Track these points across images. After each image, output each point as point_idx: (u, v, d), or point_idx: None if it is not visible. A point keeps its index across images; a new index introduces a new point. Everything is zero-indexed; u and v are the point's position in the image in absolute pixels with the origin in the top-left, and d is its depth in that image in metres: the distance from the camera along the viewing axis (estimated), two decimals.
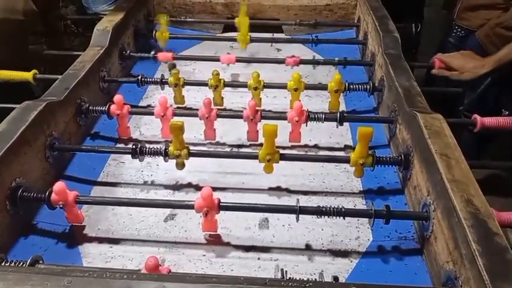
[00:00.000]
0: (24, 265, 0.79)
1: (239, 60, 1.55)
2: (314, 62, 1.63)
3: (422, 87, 1.21)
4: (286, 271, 0.82)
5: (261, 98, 1.39)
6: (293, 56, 1.54)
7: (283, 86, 1.37)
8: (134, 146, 1.09)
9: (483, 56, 1.68)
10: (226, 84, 1.38)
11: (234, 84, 1.42)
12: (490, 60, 1.59)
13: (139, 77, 1.42)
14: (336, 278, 0.79)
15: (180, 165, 1.10)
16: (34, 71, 1.43)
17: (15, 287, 0.65)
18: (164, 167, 1.16)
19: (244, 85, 1.38)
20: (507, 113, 2.28)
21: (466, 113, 2.20)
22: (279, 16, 1.99)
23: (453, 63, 1.57)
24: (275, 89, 1.41)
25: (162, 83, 1.40)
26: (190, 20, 1.98)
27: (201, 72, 1.66)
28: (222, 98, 1.41)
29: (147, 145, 1.11)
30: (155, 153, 1.08)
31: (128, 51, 1.61)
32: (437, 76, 1.67)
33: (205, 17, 2.01)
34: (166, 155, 1.07)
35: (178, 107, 1.40)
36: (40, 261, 0.82)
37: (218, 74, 1.35)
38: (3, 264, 0.80)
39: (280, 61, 1.56)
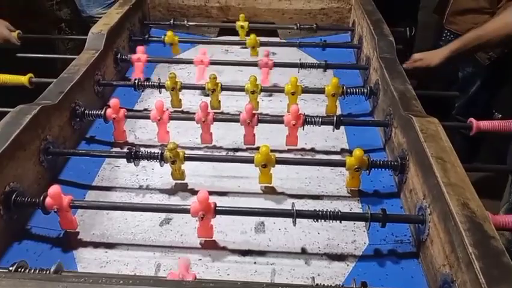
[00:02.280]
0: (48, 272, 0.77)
1: (213, 63, 1.56)
2: (301, 66, 1.55)
3: (418, 91, 1.21)
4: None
5: (258, 102, 1.39)
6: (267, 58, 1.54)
7: (280, 90, 1.37)
8: (129, 150, 1.09)
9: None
10: (223, 88, 1.38)
11: (231, 88, 1.42)
12: (445, 48, 1.83)
13: (136, 81, 1.42)
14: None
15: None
16: (30, 74, 1.43)
17: None
18: (160, 171, 1.15)
19: (241, 89, 1.38)
20: (500, 116, 2.31)
21: (457, 117, 2.22)
22: (274, 20, 1.99)
23: (415, 56, 1.80)
24: (272, 92, 1.41)
25: (159, 86, 1.40)
26: (185, 23, 1.98)
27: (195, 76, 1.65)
28: (219, 101, 1.40)
29: (142, 149, 1.10)
30: (150, 157, 1.08)
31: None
32: (432, 79, 1.73)
33: (201, 20, 2.01)
34: (161, 159, 1.07)
35: (174, 111, 1.40)
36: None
37: (215, 78, 1.35)
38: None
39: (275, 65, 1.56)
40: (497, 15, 1.85)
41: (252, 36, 1.67)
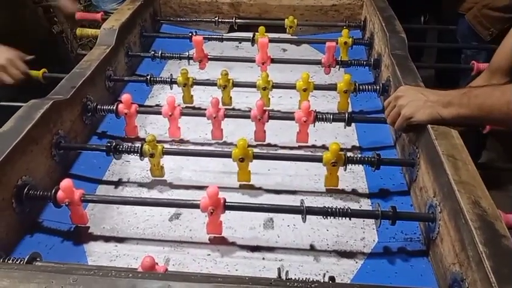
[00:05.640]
0: (22, 262, 0.79)
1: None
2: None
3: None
4: (287, 271, 0.81)
5: (269, 98, 1.39)
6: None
7: (292, 86, 1.36)
8: (109, 144, 1.10)
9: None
10: (234, 84, 1.38)
11: (243, 84, 1.42)
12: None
13: (148, 76, 1.43)
14: (332, 278, 0.78)
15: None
16: (43, 69, 1.44)
17: (21, 284, 0.66)
18: (170, 167, 1.16)
19: (253, 85, 1.37)
20: None
21: None
22: (285, 16, 1.98)
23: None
24: (283, 89, 1.41)
25: (171, 82, 1.40)
26: (196, 19, 1.98)
27: (206, 72, 1.66)
28: (231, 98, 1.40)
29: (125, 144, 1.11)
30: (130, 151, 1.09)
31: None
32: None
33: (211, 16, 2.00)
34: (141, 154, 1.08)
35: (186, 107, 1.40)
36: (38, 259, 0.82)
37: (227, 74, 1.35)
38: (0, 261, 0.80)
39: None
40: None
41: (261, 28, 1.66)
